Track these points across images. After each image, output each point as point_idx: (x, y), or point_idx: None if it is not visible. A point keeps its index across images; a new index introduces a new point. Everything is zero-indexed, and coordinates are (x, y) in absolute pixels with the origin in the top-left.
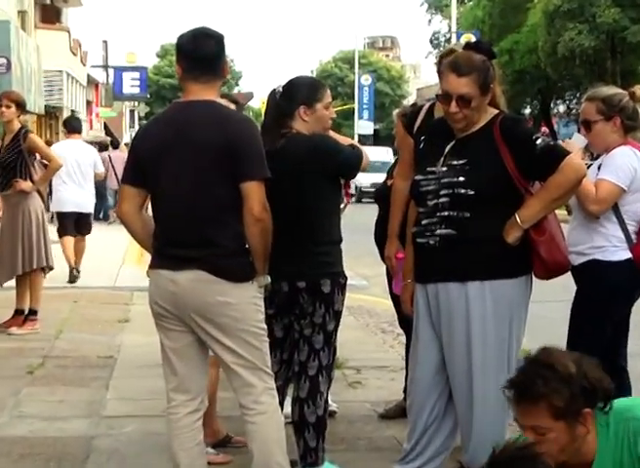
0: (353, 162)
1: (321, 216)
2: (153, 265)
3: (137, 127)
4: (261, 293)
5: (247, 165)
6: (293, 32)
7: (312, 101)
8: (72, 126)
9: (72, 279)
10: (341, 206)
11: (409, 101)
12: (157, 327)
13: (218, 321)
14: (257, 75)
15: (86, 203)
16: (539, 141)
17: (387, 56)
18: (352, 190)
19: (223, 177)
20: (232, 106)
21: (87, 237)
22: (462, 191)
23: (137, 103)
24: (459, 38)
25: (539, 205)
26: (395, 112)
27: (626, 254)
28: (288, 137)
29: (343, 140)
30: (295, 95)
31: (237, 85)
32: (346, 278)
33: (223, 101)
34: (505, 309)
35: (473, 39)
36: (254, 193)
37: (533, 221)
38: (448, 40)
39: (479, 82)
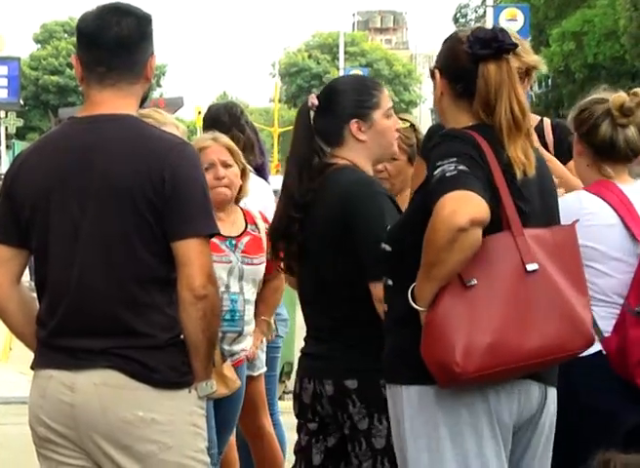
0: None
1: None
2: (39, 364)
3: (3, 151)
4: (203, 408)
5: (184, 215)
6: (243, 5)
7: (366, 109)
8: None
9: None
10: None
11: (422, 112)
12: (40, 459)
13: (136, 448)
14: (188, 70)
15: None
16: (437, 171)
17: (389, 41)
18: None
19: (147, 234)
20: (173, 125)
21: None
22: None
23: (3, 114)
24: (497, 15)
25: (421, 274)
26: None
27: (594, 348)
28: (329, 174)
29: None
30: (340, 103)
31: (159, 85)
32: None
33: (152, 118)
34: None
35: (520, 17)
36: (194, 257)
37: (426, 299)
38: (480, 18)
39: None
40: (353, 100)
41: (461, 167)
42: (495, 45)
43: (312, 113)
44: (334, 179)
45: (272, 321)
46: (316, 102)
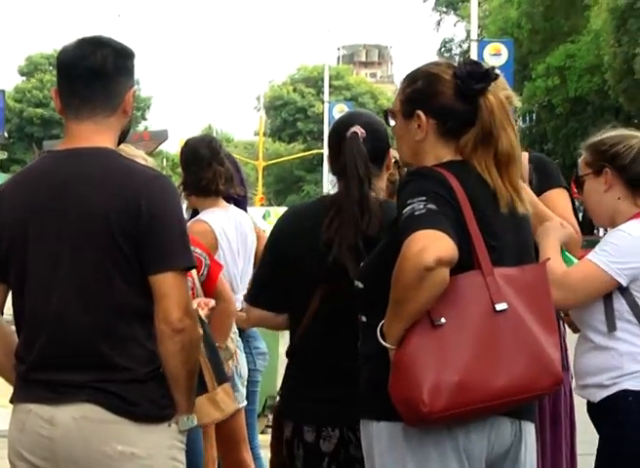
0: None
1: None
2: (17, 398)
3: None
4: (183, 442)
5: (161, 249)
6: (228, 39)
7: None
8: None
9: None
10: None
11: None
12: None
13: None
14: (173, 103)
15: None
16: (406, 209)
17: (374, 75)
18: None
19: (124, 265)
20: (141, 158)
21: None
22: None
23: None
24: (481, 49)
25: (389, 311)
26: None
27: None
28: (380, 204)
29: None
30: (382, 132)
31: (144, 118)
32: None
33: (127, 151)
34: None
35: (504, 51)
36: (170, 290)
37: (395, 336)
38: (465, 52)
39: (402, 95)
40: (386, 130)
41: (430, 205)
42: (487, 78)
43: (362, 140)
44: (387, 206)
45: (230, 346)
46: (364, 132)
